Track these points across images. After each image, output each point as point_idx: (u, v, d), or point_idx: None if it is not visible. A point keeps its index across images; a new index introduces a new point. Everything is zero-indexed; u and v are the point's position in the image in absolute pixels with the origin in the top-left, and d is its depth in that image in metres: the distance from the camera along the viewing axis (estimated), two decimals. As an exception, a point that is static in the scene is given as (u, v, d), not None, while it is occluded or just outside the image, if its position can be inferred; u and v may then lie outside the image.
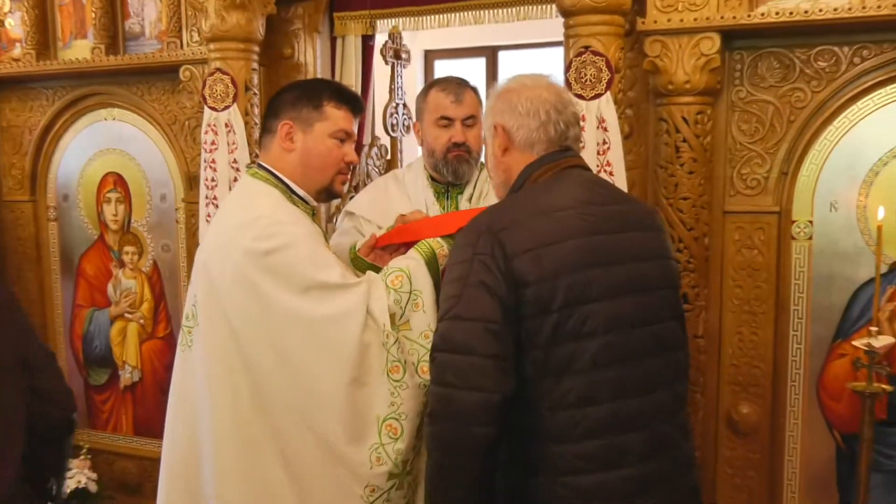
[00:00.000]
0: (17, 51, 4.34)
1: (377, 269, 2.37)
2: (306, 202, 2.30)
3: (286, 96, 2.32)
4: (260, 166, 2.31)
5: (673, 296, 2.02)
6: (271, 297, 2.10)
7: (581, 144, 2.86)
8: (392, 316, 2.13)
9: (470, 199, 2.81)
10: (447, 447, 1.78)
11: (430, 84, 2.85)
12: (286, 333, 2.12)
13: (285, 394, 2.15)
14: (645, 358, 1.87)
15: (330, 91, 2.32)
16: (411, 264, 2.20)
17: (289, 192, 2.26)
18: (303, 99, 2.28)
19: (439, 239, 2.27)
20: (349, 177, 2.40)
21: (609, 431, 1.80)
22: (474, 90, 2.79)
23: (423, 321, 2.15)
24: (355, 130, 2.37)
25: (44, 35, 4.26)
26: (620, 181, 2.88)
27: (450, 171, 2.75)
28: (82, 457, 4.19)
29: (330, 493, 2.16)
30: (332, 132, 2.27)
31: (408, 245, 2.36)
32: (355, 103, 2.36)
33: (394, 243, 2.44)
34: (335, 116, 2.27)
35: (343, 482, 2.15)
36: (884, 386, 2.51)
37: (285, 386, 2.15)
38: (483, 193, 2.82)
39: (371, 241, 2.50)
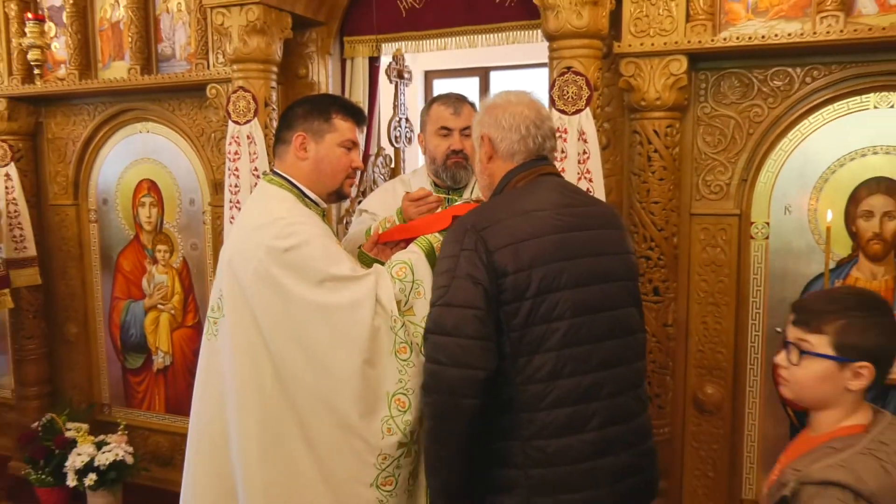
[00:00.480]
0: (61, 71, 4.33)
1: (381, 264, 2.38)
2: (317, 204, 2.30)
3: (298, 110, 2.32)
4: (275, 173, 2.31)
5: (633, 286, 2.06)
6: (291, 290, 2.10)
7: (563, 154, 2.88)
8: (398, 303, 2.13)
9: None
10: (438, 415, 1.87)
11: (433, 99, 2.87)
12: (305, 321, 2.12)
13: (305, 376, 2.15)
14: (607, 339, 1.92)
15: (337, 106, 2.32)
16: (413, 257, 2.21)
17: (302, 195, 2.26)
18: (314, 113, 2.28)
19: (437, 234, 2.27)
20: (356, 180, 2.41)
21: (574, 401, 1.86)
22: (472, 104, 2.82)
23: (425, 307, 2.14)
24: (360, 139, 2.37)
25: (86, 57, 4.25)
26: (599, 187, 2.88)
27: (449, 177, 2.78)
28: (120, 432, 4.18)
29: (346, 462, 2.16)
30: (340, 142, 2.27)
31: (407, 241, 2.37)
32: (359, 116, 2.38)
33: (394, 239, 2.44)
34: (342, 128, 2.28)
35: (358, 452, 2.15)
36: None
37: (305, 368, 2.14)
38: (478, 195, 2.82)
39: (374, 238, 2.51)
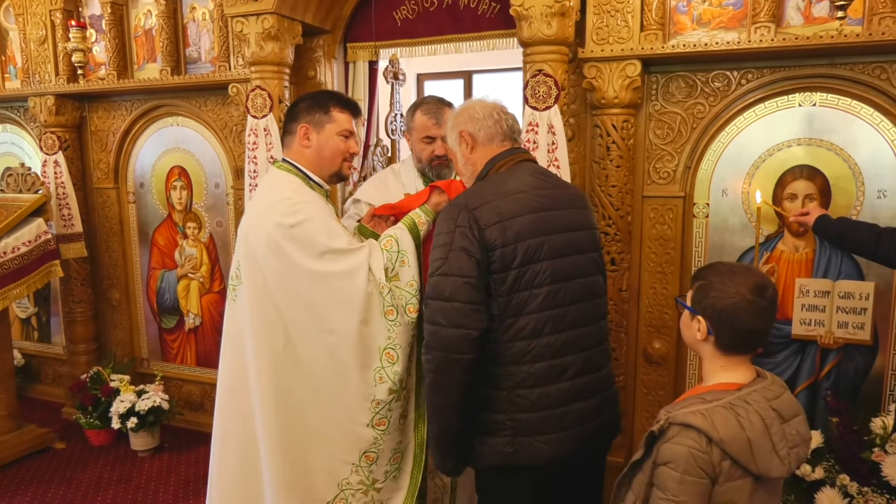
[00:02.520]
0: (102, 72, 4.27)
1: (377, 236, 2.40)
2: (321, 186, 2.30)
3: (301, 105, 2.31)
4: (284, 160, 2.31)
5: (599, 257, 2.07)
6: (296, 261, 2.11)
7: (535, 146, 2.88)
8: (386, 270, 2.15)
9: None
10: (438, 369, 1.86)
11: (416, 105, 2.77)
12: (309, 287, 2.13)
13: (311, 333, 2.16)
14: (578, 302, 1.93)
15: (335, 100, 2.31)
16: (398, 232, 2.23)
17: (307, 178, 2.26)
18: (315, 106, 2.27)
19: (418, 210, 2.30)
20: (353, 163, 2.40)
21: (552, 356, 1.88)
22: (451, 107, 2.73)
23: (409, 274, 2.18)
24: (356, 129, 2.36)
25: (123, 59, 4.19)
26: (565, 173, 2.88)
27: (434, 174, 2.74)
28: (157, 382, 4.19)
29: (345, 405, 2.18)
30: (338, 131, 2.27)
31: (397, 216, 2.39)
32: (354, 108, 2.37)
33: (385, 213, 2.46)
34: (340, 119, 2.27)
35: (355, 397, 2.17)
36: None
37: (311, 327, 2.16)
38: None
39: (371, 211, 2.52)
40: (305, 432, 2.22)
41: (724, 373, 1.61)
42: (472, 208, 1.86)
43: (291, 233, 2.10)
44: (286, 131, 2.33)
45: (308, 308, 2.15)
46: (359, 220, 2.56)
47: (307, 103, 2.30)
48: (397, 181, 2.80)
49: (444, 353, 1.84)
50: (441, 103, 2.72)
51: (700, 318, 1.59)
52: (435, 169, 2.72)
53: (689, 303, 1.64)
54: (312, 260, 2.11)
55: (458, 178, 2.51)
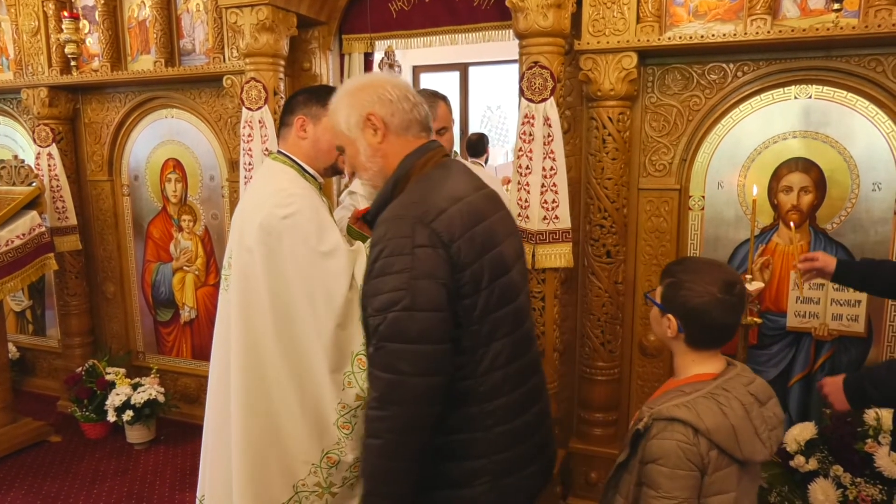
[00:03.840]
0: (95, 63, 4.24)
1: (363, 237, 2.39)
2: (315, 178, 2.28)
3: (299, 98, 2.29)
4: (279, 152, 2.29)
5: (525, 263, 1.84)
6: (284, 252, 2.07)
7: (530, 137, 2.87)
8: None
9: None
10: (401, 429, 1.51)
11: None
12: (293, 282, 2.09)
13: (292, 328, 2.15)
14: (527, 316, 1.75)
15: (331, 93, 2.30)
16: None
17: (302, 170, 2.25)
18: (312, 99, 2.25)
19: None
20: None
21: (522, 382, 1.67)
22: (445, 101, 2.71)
23: None
24: None
25: (116, 51, 4.16)
26: (561, 165, 2.88)
27: None
28: (152, 375, 4.18)
29: (315, 401, 2.15)
30: None
31: None
32: None
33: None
34: None
35: (325, 395, 2.15)
36: (755, 319, 2.54)
37: (293, 322, 2.14)
38: None
39: (356, 213, 2.49)
40: (271, 423, 2.20)
41: (696, 366, 1.62)
42: (429, 221, 1.51)
43: (283, 224, 2.07)
44: (283, 123, 2.31)
45: (291, 303, 2.13)
46: (348, 221, 2.55)
47: (305, 96, 2.28)
48: None
49: (411, 409, 1.49)
50: (435, 97, 2.69)
51: (670, 315, 1.60)
52: None
53: (658, 300, 1.64)
54: (300, 254, 2.08)
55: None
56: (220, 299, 2.33)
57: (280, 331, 2.16)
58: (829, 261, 2.18)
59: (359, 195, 2.78)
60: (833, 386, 1.95)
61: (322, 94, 2.26)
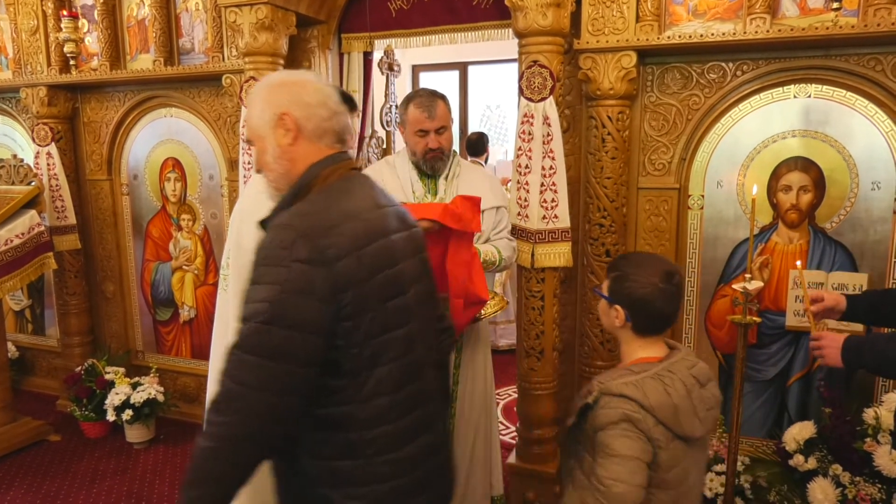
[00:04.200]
0: (94, 62, 4.24)
1: None
2: None
3: None
4: None
5: (431, 284, 1.73)
6: None
7: (530, 136, 2.87)
8: None
9: (446, 179, 2.76)
10: (232, 439, 1.38)
11: (409, 98, 2.71)
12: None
13: None
14: (422, 341, 1.62)
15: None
16: None
17: None
18: None
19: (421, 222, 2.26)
20: None
21: (411, 408, 1.56)
22: (444, 100, 2.70)
23: None
24: (352, 124, 2.34)
25: (115, 50, 4.16)
26: (560, 164, 2.88)
27: (428, 167, 2.71)
28: (152, 374, 4.18)
29: None
30: None
31: None
32: (350, 103, 2.32)
33: None
34: None
35: None
36: (755, 318, 2.54)
37: None
38: (456, 175, 2.78)
39: None
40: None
41: (642, 350, 1.75)
42: (315, 236, 1.40)
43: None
44: None
45: None
46: None
47: None
48: (392, 173, 2.79)
49: (248, 423, 1.36)
50: (434, 96, 2.70)
51: (618, 306, 1.73)
52: (429, 162, 2.70)
53: (606, 292, 1.76)
54: None
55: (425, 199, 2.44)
56: (219, 299, 2.33)
57: None
58: (837, 299, 2.13)
59: None
60: (832, 342, 1.95)
61: None
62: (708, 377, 1.72)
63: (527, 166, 2.89)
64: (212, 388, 2.33)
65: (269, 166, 1.59)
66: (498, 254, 2.70)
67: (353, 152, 3.97)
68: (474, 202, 2.46)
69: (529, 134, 2.86)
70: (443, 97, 2.72)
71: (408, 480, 1.55)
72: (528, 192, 2.90)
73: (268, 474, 1.83)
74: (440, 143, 2.67)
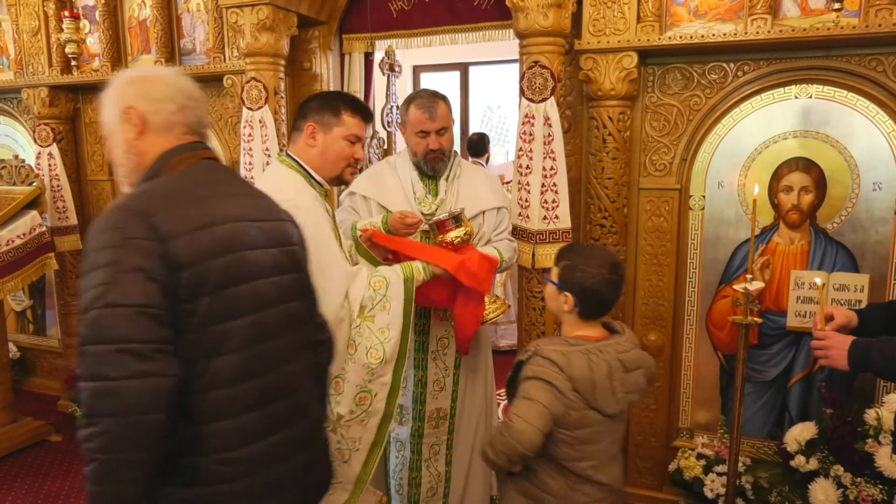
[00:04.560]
0: (96, 63, 4.24)
1: (371, 256, 2.40)
2: (321, 185, 2.26)
3: (312, 104, 2.26)
4: (288, 155, 2.27)
5: (299, 278, 1.68)
6: None
7: (531, 137, 2.87)
8: (362, 308, 2.11)
9: (447, 180, 2.75)
10: (116, 444, 1.28)
11: (410, 99, 2.71)
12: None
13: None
14: (281, 334, 1.57)
15: (346, 102, 2.25)
16: (393, 277, 2.18)
17: (308, 176, 2.23)
18: (325, 107, 2.22)
19: (420, 266, 2.25)
20: (356, 169, 2.34)
21: (262, 404, 1.50)
22: (445, 101, 2.70)
23: (385, 320, 2.13)
24: (365, 134, 2.31)
25: (117, 51, 4.16)
26: (561, 165, 2.88)
27: (429, 168, 2.70)
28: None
29: None
30: (345, 135, 2.21)
31: (396, 253, 2.38)
32: (366, 113, 2.30)
33: (384, 245, 2.44)
34: (350, 123, 2.21)
35: None
36: (756, 319, 2.54)
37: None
38: (457, 175, 2.77)
39: (369, 234, 2.47)
40: None
41: (581, 331, 1.92)
42: (150, 215, 1.37)
43: None
44: (294, 127, 2.29)
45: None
46: (358, 236, 2.53)
47: (318, 102, 2.26)
48: (393, 174, 2.78)
49: (125, 418, 1.27)
50: (435, 97, 2.69)
51: (567, 293, 1.89)
52: (430, 163, 2.69)
53: (556, 280, 1.92)
54: None
55: (447, 216, 2.44)
56: None
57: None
58: (848, 315, 2.06)
59: (358, 196, 2.78)
60: (839, 343, 1.91)
61: (335, 102, 2.23)
62: (637, 365, 1.87)
63: (527, 167, 2.89)
64: None
65: (119, 161, 1.60)
66: (499, 256, 2.70)
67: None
68: (492, 263, 2.44)
69: (530, 135, 2.86)
70: (444, 98, 2.71)
71: (254, 481, 1.47)
72: (528, 192, 2.90)
73: None
74: (441, 143, 2.66)
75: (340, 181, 2.33)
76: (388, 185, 2.73)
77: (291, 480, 1.57)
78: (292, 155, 2.26)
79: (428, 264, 2.28)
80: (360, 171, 3.96)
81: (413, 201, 2.72)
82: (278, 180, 2.23)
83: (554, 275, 1.93)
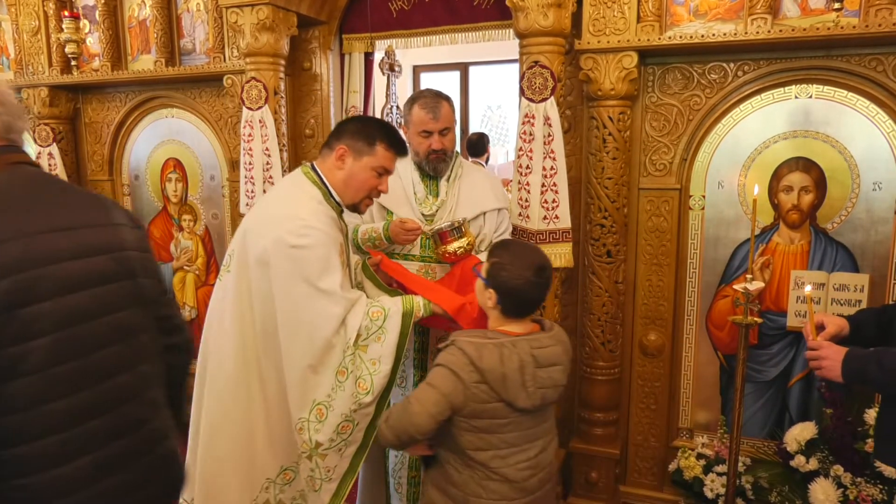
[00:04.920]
0: (96, 63, 4.24)
1: (376, 279, 2.42)
2: (339, 204, 2.24)
3: (350, 126, 2.24)
4: (314, 168, 2.25)
5: (134, 285, 1.56)
6: (281, 278, 2.07)
7: (531, 137, 2.87)
8: (357, 336, 2.10)
9: (448, 180, 2.75)
10: None
11: (414, 98, 2.71)
12: (281, 309, 2.11)
13: (271, 346, 2.16)
14: (106, 346, 1.47)
15: (384, 134, 2.22)
16: (393, 309, 2.16)
17: (328, 193, 2.21)
18: (361, 133, 2.20)
19: (421, 301, 2.23)
20: (373, 203, 2.35)
21: (68, 425, 1.39)
22: (448, 101, 2.69)
23: (377, 352, 2.11)
24: (395, 168, 2.30)
25: (117, 51, 4.16)
26: (561, 165, 2.88)
27: (430, 168, 2.70)
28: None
29: (284, 426, 2.20)
30: (375, 166, 2.20)
31: (400, 282, 2.38)
32: (401, 148, 2.27)
33: (389, 273, 2.43)
34: (382, 156, 2.20)
35: (286, 427, 2.19)
36: (756, 319, 2.54)
37: (274, 341, 2.16)
38: (458, 176, 2.76)
39: (376, 260, 2.46)
40: (223, 448, 2.22)
41: (505, 326, 1.96)
42: None
43: (290, 252, 2.05)
44: (327, 144, 2.26)
45: (275, 324, 2.13)
46: (361, 236, 2.54)
47: (356, 126, 2.23)
48: (395, 175, 2.78)
49: None
50: (438, 97, 2.68)
51: (492, 290, 1.94)
52: (432, 163, 2.68)
53: (484, 275, 1.96)
54: (295, 285, 2.06)
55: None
56: (217, 286, 2.29)
57: (264, 347, 2.17)
58: (840, 324, 2.04)
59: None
60: (833, 355, 1.88)
61: (373, 132, 2.21)
62: (552, 362, 1.90)
63: (528, 167, 2.89)
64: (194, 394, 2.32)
65: None
66: None
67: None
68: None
69: (530, 135, 2.86)
70: (447, 98, 2.70)
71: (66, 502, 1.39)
72: (528, 192, 2.90)
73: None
74: (444, 144, 2.66)
75: (355, 209, 2.32)
76: (391, 185, 2.73)
77: (120, 496, 1.48)
78: (318, 170, 2.23)
79: (430, 302, 2.24)
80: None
81: (414, 202, 2.72)
82: (295, 195, 2.21)
83: (483, 270, 1.98)
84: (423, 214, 2.69)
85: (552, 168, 2.87)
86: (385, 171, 2.24)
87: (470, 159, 5.68)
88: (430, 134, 2.64)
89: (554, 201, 2.90)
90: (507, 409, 1.85)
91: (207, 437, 2.23)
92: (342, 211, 2.28)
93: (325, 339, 2.06)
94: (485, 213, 2.73)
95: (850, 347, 1.88)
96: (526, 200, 2.91)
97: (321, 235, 2.07)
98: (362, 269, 2.47)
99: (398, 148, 2.25)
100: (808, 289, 2.18)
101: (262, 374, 2.19)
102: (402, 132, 2.67)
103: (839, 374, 1.86)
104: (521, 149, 2.92)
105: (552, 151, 2.86)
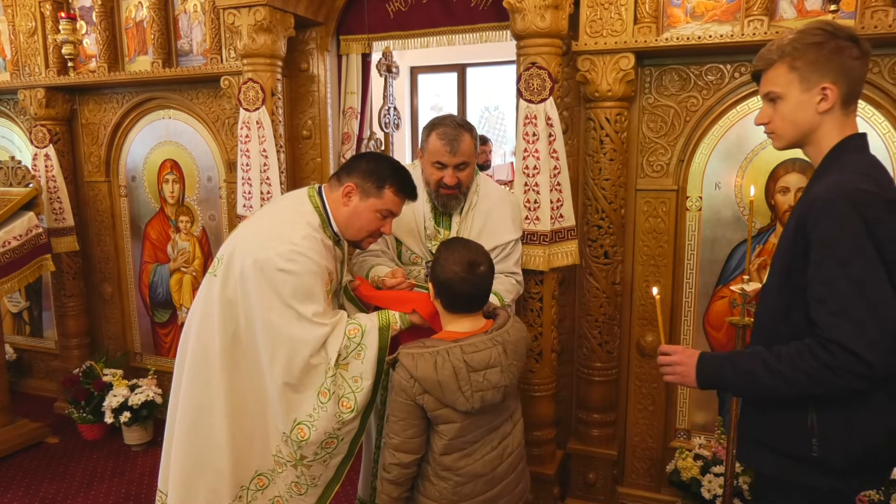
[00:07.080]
0: (92, 64, 4.24)
1: (358, 303, 2.42)
2: (337, 234, 2.25)
3: (362, 164, 2.22)
4: (320, 193, 2.24)
5: None
6: (264, 297, 2.09)
7: (535, 137, 2.86)
8: (338, 356, 2.11)
9: (461, 213, 2.60)
10: None
11: (434, 124, 2.50)
12: (262, 324, 2.13)
13: (251, 356, 2.18)
14: None
15: (396, 180, 2.20)
16: (369, 325, 2.16)
17: (327, 222, 2.21)
18: (372, 174, 2.18)
19: (397, 315, 2.21)
20: (376, 241, 2.35)
21: None
22: (471, 132, 2.49)
23: (358, 369, 2.13)
24: (400, 212, 2.27)
25: (114, 52, 4.16)
26: (563, 164, 2.88)
27: (440, 204, 2.55)
28: (150, 376, 4.18)
29: (251, 437, 2.23)
30: (380, 209, 2.20)
31: (379, 300, 2.36)
32: (411, 193, 2.25)
33: (366, 298, 2.41)
34: (390, 199, 2.19)
35: (264, 439, 2.22)
36: (752, 320, 2.54)
37: (254, 358, 2.18)
38: (473, 205, 2.60)
39: (356, 285, 2.43)
40: (209, 448, 2.23)
41: (450, 325, 2.03)
42: None
43: (276, 274, 2.06)
44: (337, 175, 2.25)
45: (255, 340, 2.16)
46: (348, 283, 2.48)
47: (369, 166, 2.20)
48: (408, 206, 2.48)
49: None
50: (461, 128, 2.45)
51: (431, 283, 2.04)
52: (441, 198, 2.52)
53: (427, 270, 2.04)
54: (275, 306, 2.08)
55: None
56: (205, 283, 2.28)
57: (245, 351, 2.19)
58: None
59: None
60: (686, 359, 1.75)
61: (385, 175, 2.19)
62: (486, 365, 1.92)
63: (535, 167, 2.86)
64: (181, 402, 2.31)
65: None
66: (500, 303, 2.49)
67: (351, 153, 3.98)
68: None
69: (534, 135, 2.85)
70: (470, 129, 2.48)
71: None
72: (538, 193, 2.86)
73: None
74: (458, 178, 2.47)
75: (357, 246, 2.31)
76: (402, 214, 2.44)
77: None
78: (325, 197, 2.23)
79: (405, 314, 2.22)
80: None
81: (423, 237, 2.60)
82: (293, 217, 2.19)
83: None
84: (431, 252, 2.56)
85: (555, 168, 2.87)
86: (390, 214, 2.22)
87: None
88: (444, 167, 2.46)
89: (559, 200, 2.90)
90: (456, 413, 1.92)
91: (184, 433, 2.25)
92: (339, 239, 2.27)
93: (304, 361, 2.09)
94: (496, 247, 2.58)
95: (703, 352, 1.76)
96: (535, 202, 2.88)
97: (310, 264, 2.08)
98: (344, 292, 2.46)
99: (408, 192, 2.23)
100: (654, 291, 2.08)
101: (234, 381, 2.20)
102: (405, 130, 2.62)
103: (694, 380, 1.73)
104: (525, 150, 2.89)
105: (555, 151, 2.86)
